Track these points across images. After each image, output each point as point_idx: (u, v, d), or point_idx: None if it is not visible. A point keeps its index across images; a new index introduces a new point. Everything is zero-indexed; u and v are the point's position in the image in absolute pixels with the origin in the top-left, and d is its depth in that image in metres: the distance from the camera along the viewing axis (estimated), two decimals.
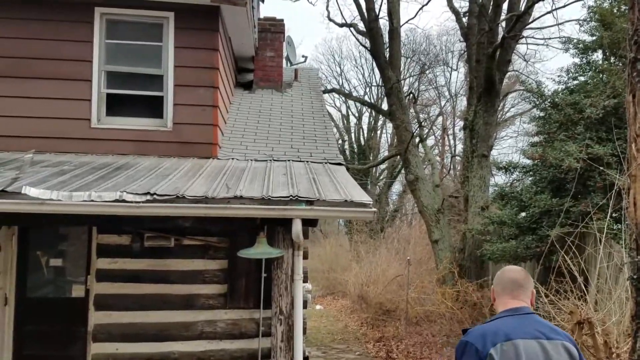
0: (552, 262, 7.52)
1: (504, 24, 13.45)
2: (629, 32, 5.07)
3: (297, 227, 4.59)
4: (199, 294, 6.19)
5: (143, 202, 4.33)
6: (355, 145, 29.22)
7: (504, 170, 11.39)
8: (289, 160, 6.65)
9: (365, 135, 29.55)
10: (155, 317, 6.05)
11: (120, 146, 6.38)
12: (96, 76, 6.38)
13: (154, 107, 6.55)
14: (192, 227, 5.01)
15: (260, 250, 4.66)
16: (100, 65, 6.42)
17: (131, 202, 4.30)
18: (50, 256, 6.14)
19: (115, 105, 6.50)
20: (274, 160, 6.66)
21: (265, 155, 6.85)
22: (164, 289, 6.12)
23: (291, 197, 4.57)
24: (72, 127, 6.28)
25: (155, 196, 4.39)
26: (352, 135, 29.94)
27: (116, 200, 4.30)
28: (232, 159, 6.63)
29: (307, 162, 6.65)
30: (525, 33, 15.45)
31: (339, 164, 6.73)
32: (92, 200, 4.25)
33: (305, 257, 6.48)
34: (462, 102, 25.06)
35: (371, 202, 4.68)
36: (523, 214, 10.40)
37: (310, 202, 4.57)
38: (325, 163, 6.68)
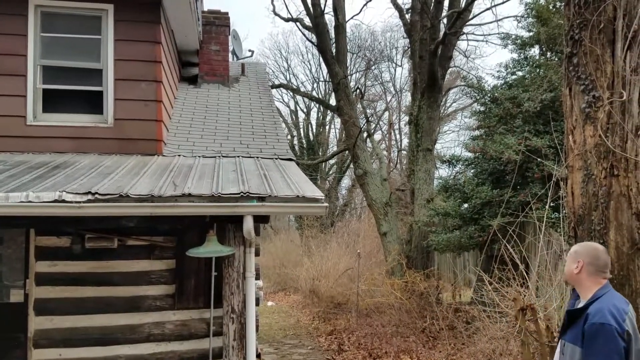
0: (495, 251, 7.80)
1: (445, 20, 13.78)
2: (565, 27, 5.30)
3: (248, 224, 4.54)
4: (145, 295, 6.01)
5: (84, 202, 4.15)
6: (304, 141, 29.24)
7: (447, 164, 11.71)
8: (238, 157, 6.56)
9: (314, 130, 29.62)
10: (99, 321, 5.82)
11: (58, 144, 6.09)
12: (31, 71, 6.06)
13: (93, 103, 6.28)
14: (137, 226, 4.87)
15: (211, 248, 4.57)
16: (35, 60, 6.09)
17: (72, 202, 4.12)
18: None
19: (53, 102, 6.19)
20: (223, 156, 6.55)
21: (213, 151, 6.72)
22: (108, 291, 5.90)
23: (242, 194, 4.51)
24: (6, 125, 5.94)
25: (97, 195, 4.22)
26: (301, 130, 29.94)
27: (56, 201, 4.11)
28: (179, 155, 6.47)
29: (258, 158, 6.58)
30: (466, 30, 15.92)
31: (290, 159, 6.70)
32: (30, 201, 4.04)
33: (257, 254, 6.44)
34: (407, 98, 25.56)
35: (323, 197, 4.68)
36: (466, 205, 10.74)
37: (261, 199, 4.53)
38: (276, 159, 6.63)
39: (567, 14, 5.20)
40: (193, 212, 4.39)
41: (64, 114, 6.20)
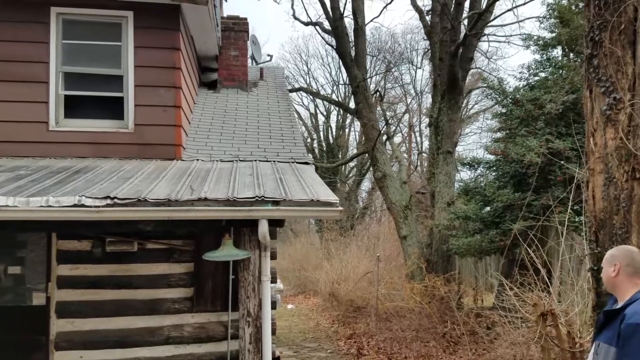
0: (516, 255, 7.69)
1: (466, 22, 13.65)
2: (585, 29, 5.21)
3: (263, 228, 4.56)
4: (164, 298, 6.08)
5: (103, 206, 4.22)
6: (324, 144, 29.27)
7: (468, 167, 11.58)
8: (255, 161, 6.60)
9: (334, 133, 29.63)
10: (119, 323, 5.91)
11: (79, 149, 6.20)
12: (53, 78, 6.19)
13: (114, 109, 6.39)
14: (155, 230, 4.93)
15: (226, 252, 4.60)
16: (57, 67, 6.22)
17: (91, 206, 4.19)
18: (8, 263, 5.92)
19: (74, 107, 6.31)
20: (240, 160, 6.59)
21: (231, 155, 6.77)
22: (128, 294, 5.98)
23: (257, 198, 4.53)
24: (29, 131, 6.07)
25: (115, 200, 4.28)
26: (321, 133, 29.98)
27: (75, 205, 4.18)
28: (197, 160, 6.53)
29: (274, 161, 6.61)
30: (487, 31, 15.76)
31: (306, 163, 6.71)
32: (50, 206, 4.12)
33: (273, 257, 6.46)
34: (428, 100, 25.37)
35: (337, 201, 4.68)
36: (487, 209, 10.61)
37: (276, 203, 4.54)
38: (293, 162, 6.65)
39: (587, 15, 5.11)
40: (208, 216, 4.42)
41: (85, 119, 6.31)
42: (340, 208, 4.65)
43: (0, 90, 6.01)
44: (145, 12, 6.42)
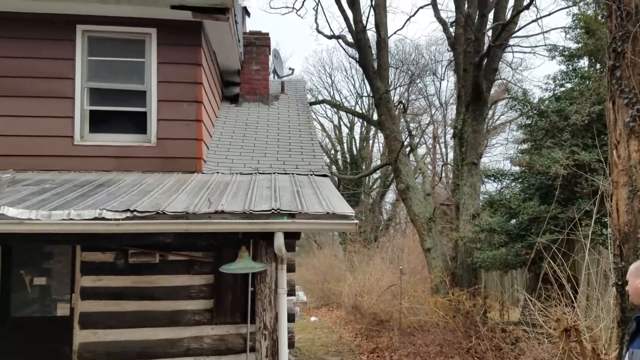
0: (542, 269, 7.52)
1: (490, 33, 13.55)
2: (607, 40, 5.13)
3: (279, 240, 4.59)
4: (184, 309, 6.14)
5: (123, 219, 4.30)
6: (347, 155, 29.27)
7: (492, 178, 11.42)
8: (274, 173, 6.64)
9: (358, 145, 29.62)
10: (140, 335, 5.99)
11: (103, 163, 6.35)
12: (79, 93, 6.37)
13: (137, 123, 6.53)
14: (175, 242, 5.00)
15: (242, 265, 4.63)
16: (82, 83, 6.41)
17: (111, 219, 4.28)
18: (34, 275, 6.08)
19: (99, 122, 6.48)
20: (260, 173, 6.65)
21: (251, 168, 6.84)
22: (149, 305, 6.07)
23: (273, 211, 4.56)
24: (55, 145, 6.25)
25: (135, 213, 4.37)
26: (345, 145, 30.00)
27: (96, 218, 4.27)
28: (217, 172, 6.62)
29: (293, 174, 6.65)
30: (512, 41, 15.60)
31: (325, 175, 6.73)
32: (71, 219, 4.23)
33: (291, 269, 6.48)
34: (453, 111, 25.17)
35: (353, 214, 4.67)
36: (513, 221, 10.43)
37: (292, 215, 4.56)
38: (311, 175, 6.67)
39: (609, 26, 5.03)
40: (225, 228, 4.47)
41: (109, 134, 6.47)
42: (356, 221, 4.64)
43: (28, 105, 6.21)
44: (168, 29, 6.57)
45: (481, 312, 10.72)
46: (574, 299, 6.02)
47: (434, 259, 13.54)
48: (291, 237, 5.00)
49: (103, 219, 4.28)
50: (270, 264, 4.81)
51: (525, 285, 10.62)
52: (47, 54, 6.32)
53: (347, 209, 4.74)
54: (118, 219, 4.30)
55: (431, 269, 13.53)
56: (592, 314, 5.72)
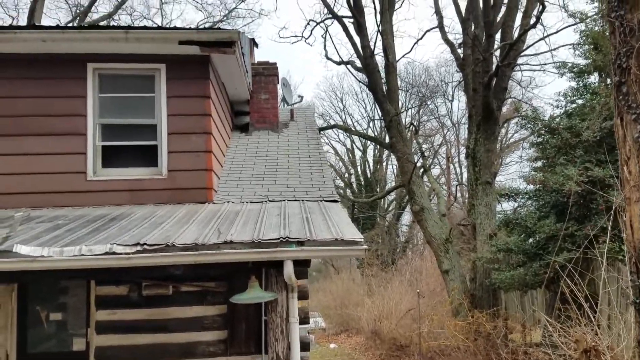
0: (561, 288, 7.39)
1: (498, 52, 13.61)
2: (612, 56, 5.13)
3: (288, 268, 4.58)
4: (199, 341, 6.12)
5: (133, 253, 4.35)
6: (361, 178, 29.27)
7: (506, 198, 11.33)
8: (284, 200, 6.67)
9: (371, 167, 29.63)
10: None
11: (116, 197, 6.45)
12: (91, 130, 6.51)
13: (148, 156, 6.64)
14: (187, 273, 5.01)
15: (252, 295, 4.63)
16: (94, 119, 6.55)
17: (121, 253, 4.33)
18: (50, 310, 6.14)
19: (111, 156, 6.60)
20: (270, 201, 6.69)
21: (261, 196, 6.88)
22: (164, 338, 6.06)
23: (281, 239, 4.56)
24: (69, 181, 6.37)
25: (145, 246, 4.41)
26: (358, 168, 30.02)
27: (106, 253, 4.33)
28: (228, 202, 6.67)
29: (303, 200, 6.67)
30: (521, 60, 15.62)
31: (335, 200, 6.74)
32: (83, 255, 4.28)
33: (304, 297, 6.45)
34: (465, 130, 25.14)
35: (362, 240, 4.67)
36: (530, 240, 10.30)
37: (300, 243, 4.56)
38: (321, 201, 6.69)
39: (613, 43, 5.02)
40: (234, 258, 4.48)
41: (121, 168, 6.58)
42: (365, 247, 4.63)
43: (42, 143, 6.37)
44: (177, 64, 6.72)
45: (502, 334, 10.51)
46: (593, 318, 5.88)
47: (453, 280, 13.37)
48: (301, 265, 4.99)
49: (114, 253, 4.33)
50: (281, 292, 4.80)
51: (546, 305, 10.42)
52: (60, 92, 6.49)
53: (356, 235, 4.73)
54: (128, 253, 4.34)
55: (450, 291, 13.35)
56: (613, 334, 5.58)
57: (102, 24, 18.16)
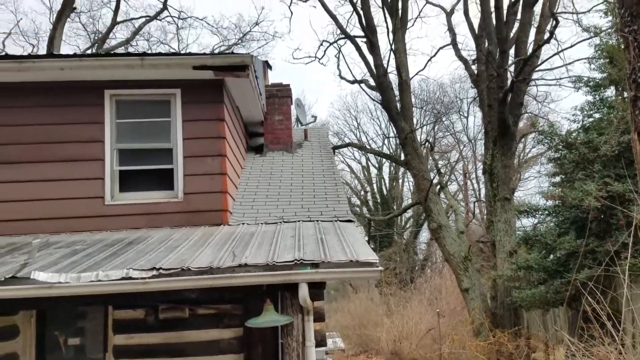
0: (584, 307, 7.23)
1: (512, 68, 13.57)
2: (627, 71, 5.08)
3: (303, 291, 4.56)
4: None
5: (149, 277, 4.37)
6: (378, 196, 29.17)
7: (525, 214, 11.18)
8: (299, 221, 6.68)
9: (387, 184, 29.54)
10: None
11: (133, 220, 6.51)
12: (108, 155, 6.62)
13: (164, 179, 6.71)
14: (203, 296, 5.03)
15: (267, 318, 4.61)
16: (112, 144, 6.66)
17: (137, 278, 4.36)
18: (68, 335, 6.16)
19: (127, 180, 6.69)
20: (284, 221, 6.70)
21: (276, 217, 6.90)
22: None
23: (295, 261, 4.55)
24: (87, 206, 6.46)
25: (160, 270, 4.44)
26: (374, 185, 29.96)
27: (123, 278, 4.36)
28: (243, 223, 6.69)
29: (317, 221, 6.67)
30: (536, 75, 15.55)
31: (349, 220, 6.72)
32: (100, 280, 4.32)
33: (321, 319, 6.41)
34: (482, 146, 24.99)
35: (377, 261, 4.63)
36: (551, 257, 10.13)
37: (315, 265, 4.54)
38: (336, 221, 6.68)
39: (628, 57, 4.98)
40: (249, 282, 4.48)
41: (138, 192, 6.66)
42: (380, 268, 4.59)
43: (61, 169, 6.48)
44: (191, 88, 6.83)
45: (524, 354, 10.30)
46: (616, 337, 5.74)
47: (473, 299, 13.17)
48: (317, 286, 4.96)
49: (130, 278, 4.36)
50: (296, 315, 4.78)
51: (568, 323, 10.19)
52: (78, 119, 6.63)
53: (371, 256, 4.70)
54: (144, 278, 4.37)
55: (471, 309, 13.15)
56: (638, 353, 5.43)
57: (120, 50, 18.57)
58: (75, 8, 16.57)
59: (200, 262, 4.67)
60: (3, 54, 16.86)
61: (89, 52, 18.74)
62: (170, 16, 20.04)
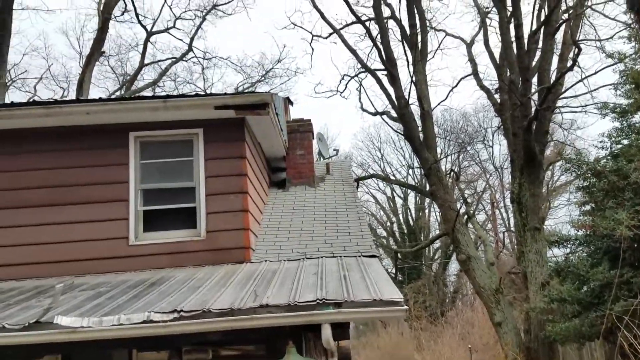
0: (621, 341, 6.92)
1: (536, 96, 13.43)
2: None
3: (326, 332, 4.46)
4: None
5: (170, 320, 4.36)
6: (404, 226, 28.83)
7: (556, 244, 10.87)
8: (321, 257, 6.62)
9: (413, 215, 29.20)
10: None
11: (157, 260, 6.54)
12: (133, 195, 6.71)
13: (187, 218, 6.76)
14: (225, 338, 4.97)
15: None
16: (136, 185, 6.76)
17: (158, 321, 4.34)
18: None
19: (151, 220, 6.75)
20: (307, 258, 6.65)
21: (298, 253, 6.85)
22: None
23: (318, 301, 4.48)
24: (112, 247, 6.53)
25: (182, 313, 4.42)
26: (400, 216, 29.65)
27: (144, 322, 4.35)
28: (265, 261, 6.66)
29: (340, 257, 6.60)
30: (561, 102, 15.34)
31: (373, 255, 6.64)
32: (122, 324, 4.32)
33: (347, 358, 6.26)
34: (509, 174, 24.62)
35: (402, 299, 4.53)
36: (585, 289, 9.77)
37: (337, 305, 4.46)
38: (359, 256, 6.60)
39: None
40: (270, 323, 4.42)
41: (161, 231, 6.71)
42: (405, 307, 4.48)
43: (86, 211, 6.59)
44: (213, 127, 6.92)
45: None
46: None
47: (506, 333, 12.74)
48: (341, 326, 4.86)
49: (151, 321, 4.35)
50: (320, 358, 4.67)
51: (605, 357, 9.75)
52: (103, 161, 6.77)
53: (396, 294, 4.60)
54: (165, 321, 4.35)
55: (504, 344, 12.70)
56: None
57: (147, 90, 19.12)
58: (104, 52, 17.18)
59: (221, 302, 4.64)
60: (34, 99, 17.53)
61: (117, 94, 19.33)
62: (196, 57, 20.63)
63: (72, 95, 18.60)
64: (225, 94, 6.82)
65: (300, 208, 8.37)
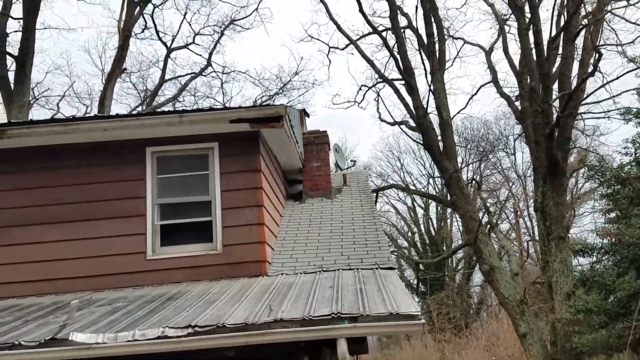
0: None
1: (557, 103, 13.20)
2: None
3: (342, 347, 4.39)
4: None
5: (184, 335, 4.34)
6: (426, 237, 28.51)
7: (580, 253, 10.60)
8: (338, 270, 6.56)
9: (435, 225, 28.86)
10: None
11: (174, 274, 6.56)
12: (150, 210, 6.76)
13: (203, 232, 6.77)
14: (240, 353, 4.92)
15: None
16: (153, 199, 6.81)
17: (172, 337, 4.33)
18: None
19: (167, 234, 6.79)
20: (324, 270, 6.60)
21: (315, 266, 6.81)
22: None
23: (333, 315, 4.43)
24: (130, 262, 6.57)
25: (196, 328, 4.40)
26: (422, 226, 29.34)
27: (159, 337, 4.35)
28: (282, 274, 6.63)
29: (357, 269, 6.54)
30: (583, 108, 15.04)
31: (391, 268, 6.55)
32: (136, 340, 4.32)
33: None
34: (532, 182, 24.19)
35: (419, 313, 4.45)
36: (611, 299, 9.49)
37: (353, 319, 4.40)
38: (377, 268, 6.52)
39: None
40: (285, 338, 4.37)
41: (178, 245, 6.73)
42: (422, 321, 4.39)
43: (104, 227, 6.65)
44: (228, 141, 6.95)
45: None
46: None
47: (532, 345, 12.43)
48: (358, 340, 4.79)
49: (166, 337, 4.34)
50: None
51: None
52: (120, 176, 6.84)
53: (413, 308, 4.51)
54: (180, 336, 4.34)
55: (529, 356, 12.39)
56: None
57: (167, 106, 19.38)
58: (125, 69, 17.49)
59: (236, 317, 4.62)
60: (57, 116, 17.92)
61: (138, 109, 19.65)
62: (215, 71, 20.87)
63: (94, 112, 18.96)
64: (240, 107, 6.85)
65: (317, 220, 8.33)
